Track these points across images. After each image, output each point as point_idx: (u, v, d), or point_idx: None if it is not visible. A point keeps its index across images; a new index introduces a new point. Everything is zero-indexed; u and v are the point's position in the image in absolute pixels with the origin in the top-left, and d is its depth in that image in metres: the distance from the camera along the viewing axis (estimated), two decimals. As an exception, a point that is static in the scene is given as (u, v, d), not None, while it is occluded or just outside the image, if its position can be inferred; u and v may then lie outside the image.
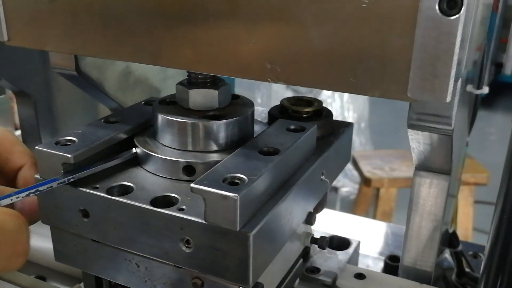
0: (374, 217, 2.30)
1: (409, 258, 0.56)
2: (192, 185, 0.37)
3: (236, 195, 0.36)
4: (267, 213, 0.39)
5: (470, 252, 0.83)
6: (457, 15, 0.31)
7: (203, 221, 0.38)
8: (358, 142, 3.33)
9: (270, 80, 0.38)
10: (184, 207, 0.40)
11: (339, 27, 0.35)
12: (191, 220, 0.39)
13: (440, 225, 0.53)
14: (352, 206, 2.71)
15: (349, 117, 3.25)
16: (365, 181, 2.23)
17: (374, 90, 0.35)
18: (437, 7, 0.32)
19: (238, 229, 0.37)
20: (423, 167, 0.51)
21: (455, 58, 0.32)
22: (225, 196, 0.36)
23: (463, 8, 0.31)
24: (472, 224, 2.29)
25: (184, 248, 0.40)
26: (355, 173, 2.61)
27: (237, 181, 0.38)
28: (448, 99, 0.33)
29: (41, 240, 0.59)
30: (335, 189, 2.96)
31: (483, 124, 3.86)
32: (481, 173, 2.17)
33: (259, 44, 0.38)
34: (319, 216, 0.54)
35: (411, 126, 0.43)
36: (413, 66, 0.33)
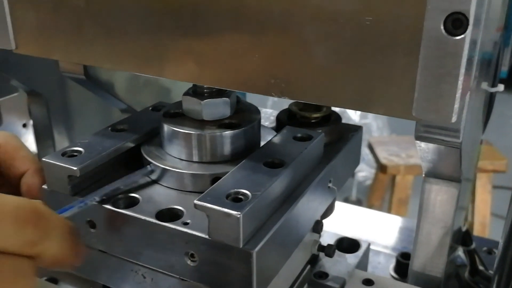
0: (389, 204, 2.29)
1: (418, 263, 0.56)
2: (195, 201, 0.37)
3: (239, 213, 0.36)
4: (271, 228, 0.39)
5: (485, 248, 0.82)
6: (462, 35, 0.30)
7: (207, 237, 0.38)
8: (375, 126, 3.30)
9: (274, 94, 0.38)
10: (189, 220, 0.40)
11: (341, 44, 0.34)
12: (195, 235, 0.39)
13: (450, 231, 0.53)
14: (368, 192, 2.70)
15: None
16: (381, 168, 2.21)
17: (378, 108, 0.35)
18: (442, 26, 0.31)
19: (241, 246, 0.37)
20: (433, 174, 0.50)
21: (461, 78, 0.31)
22: (228, 214, 0.36)
23: (469, 28, 0.30)
24: (490, 209, 2.27)
25: (189, 262, 0.40)
26: (372, 157, 2.60)
27: (240, 197, 0.38)
28: (454, 119, 0.33)
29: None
30: (352, 174, 2.95)
31: (502, 107, 3.79)
32: (500, 160, 2.14)
33: (262, 59, 0.37)
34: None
35: (419, 138, 0.42)
36: (417, 85, 0.33)
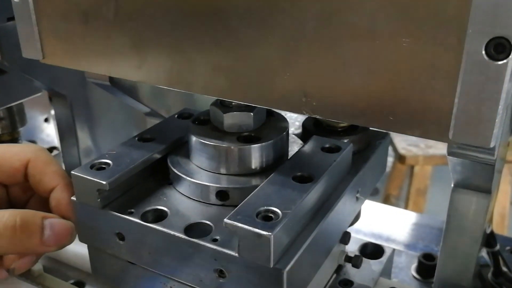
0: (408, 194, 2.27)
1: (444, 273, 0.55)
2: (225, 220, 0.37)
3: (270, 233, 0.36)
4: (301, 245, 0.39)
5: (508, 247, 0.82)
6: (505, 60, 0.30)
7: (236, 255, 0.38)
8: (393, 114, 3.26)
9: (305, 112, 0.37)
10: (218, 237, 0.40)
11: (378, 65, 0.33)
12: (224, 252, 0.39)
13: (479, 241, 0.52)
14: (386, 181, 2.68)
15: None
16: (400, 158, 2.20)
17: (414, 130, 0.34)
18: (483, 51, 0.30)
19: (272, 265, 0.37)
20: (462, 185, 0.50)
21: (502, 103, 0.31)
22: (259, 234, 0.36)
23: (512, 53, 0.29)
24: (510, 199, 2.26)
25: (218, 277, 0.40)
26: (390, 147, 2.57)
27: (270, 215, 0.38)
28: (492, 144, 0.32)
29: (80, 245, 0.60)
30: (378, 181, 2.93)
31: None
32: (521, 150, 2.11)
33: (294, 77, 0.37)
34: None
35: (451, 154, 0.41)
36: (455, 109, 0.32)
